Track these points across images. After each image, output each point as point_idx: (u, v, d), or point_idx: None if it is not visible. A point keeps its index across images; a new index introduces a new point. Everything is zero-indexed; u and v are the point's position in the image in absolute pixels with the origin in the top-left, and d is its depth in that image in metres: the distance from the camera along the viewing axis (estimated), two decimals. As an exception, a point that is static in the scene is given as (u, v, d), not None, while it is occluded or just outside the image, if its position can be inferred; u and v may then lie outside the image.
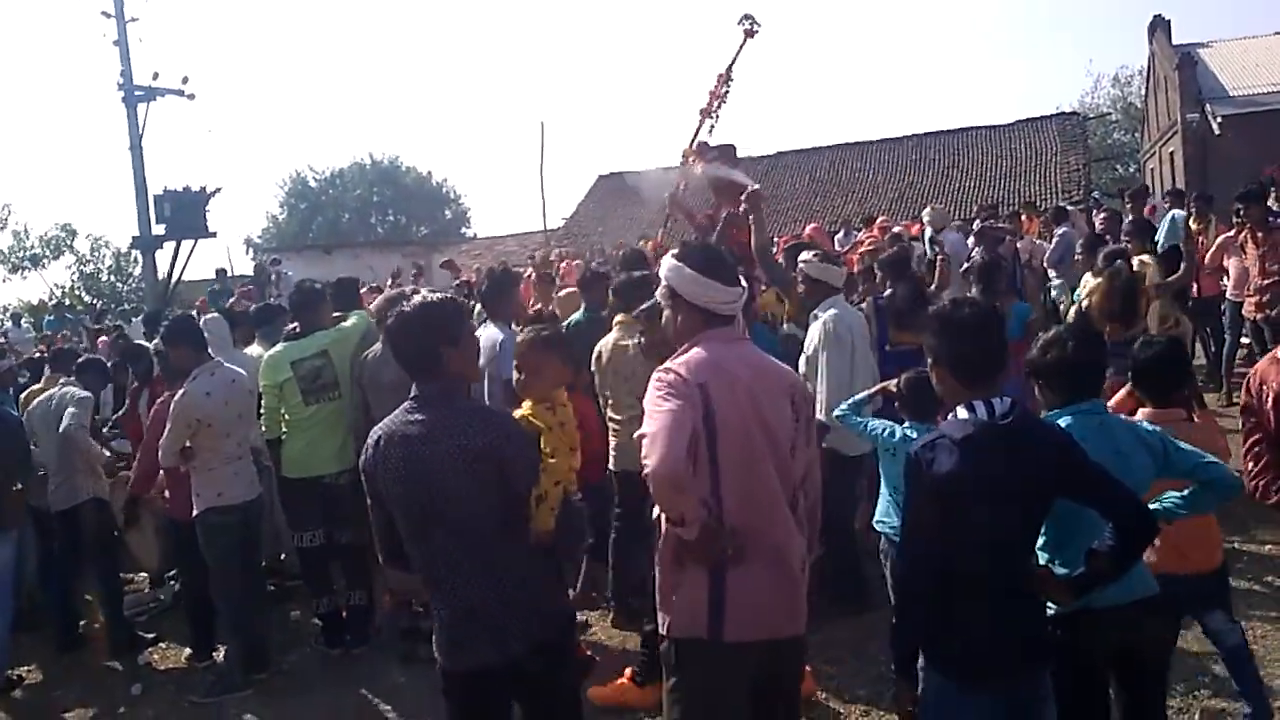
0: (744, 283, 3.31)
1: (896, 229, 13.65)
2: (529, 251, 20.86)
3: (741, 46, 8.81)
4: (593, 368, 6.04)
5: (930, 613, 2.99)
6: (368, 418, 5.55)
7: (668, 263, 3.30)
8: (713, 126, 8.92)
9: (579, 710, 3.56)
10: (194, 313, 8.50)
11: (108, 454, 7.40)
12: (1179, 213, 11.59)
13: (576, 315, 7.02)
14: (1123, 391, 4.52)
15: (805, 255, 6.28)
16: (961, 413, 2.98)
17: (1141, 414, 3.98)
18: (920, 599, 3.01)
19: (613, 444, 6.00)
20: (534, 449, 3.42)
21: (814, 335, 5.91)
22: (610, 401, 6.00)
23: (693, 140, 8.81)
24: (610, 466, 6.00)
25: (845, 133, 76.04)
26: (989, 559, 2.94)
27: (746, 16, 8.76)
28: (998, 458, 2.88)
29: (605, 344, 6.03)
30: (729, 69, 8.89)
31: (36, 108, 68.19)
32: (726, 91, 8.88)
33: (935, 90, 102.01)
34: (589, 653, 4.11)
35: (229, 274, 20.46)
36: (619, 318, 6.05)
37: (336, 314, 6.54)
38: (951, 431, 2.96)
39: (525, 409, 3.79)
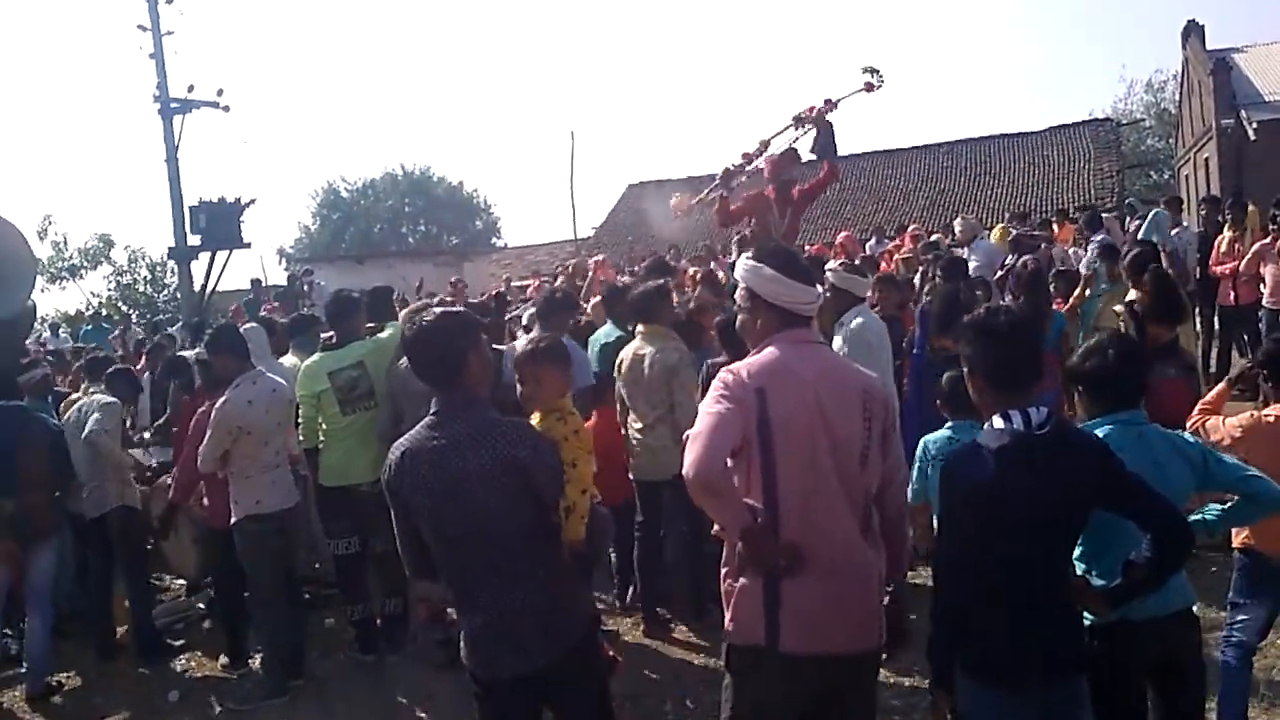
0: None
1: (934, 237, 13.62)
2: (559, 261, 20.93)
3: (856, 92, 9.18)
4: (615, 378, 6.11)
5: (966, 623, 2.97)
6: (397, 428, 5.59)
7: (744, 264, 3.25)
8: (798, 137, 9.42)
9: (609, 710, 3.57)
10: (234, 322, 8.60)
11: (154, 463, 7.50)
12: (1162, 211, 11.76)
13: (602, 334, 7.07)
14: (1223, 385, 4.48)
15: (831, 265, 6.33)
16: (997, 422, 2.95)
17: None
18: (956, 609, 2.99)
19: (632, 454, 6.05)
20: (558, 459, 3.43)
21: (839, 344, 5.93)
22: (630, 411, 6.06)
23: (775, 135, 9.41)
24: (630, 476, 6.05)
25: (876, 140, 75.93)
26: (1025, 569, 2.92)
27: (874, 71, 9.12)
28: (1034, 468, 2.86)
29: (626, 353, 6.09)
30: (838, 101, 9.29)
31: (75, 120, 69.33)
32: (823, 116, 9.30)
33: (967, 97, 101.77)
34: (611, 653, 4.11)
35: (263, 284, 20.65)
36: (640, 328, 6.11)
37: (371, 324, 6.58)
38: (987, 441, 2.93)
39: (535, 421, 3.79)
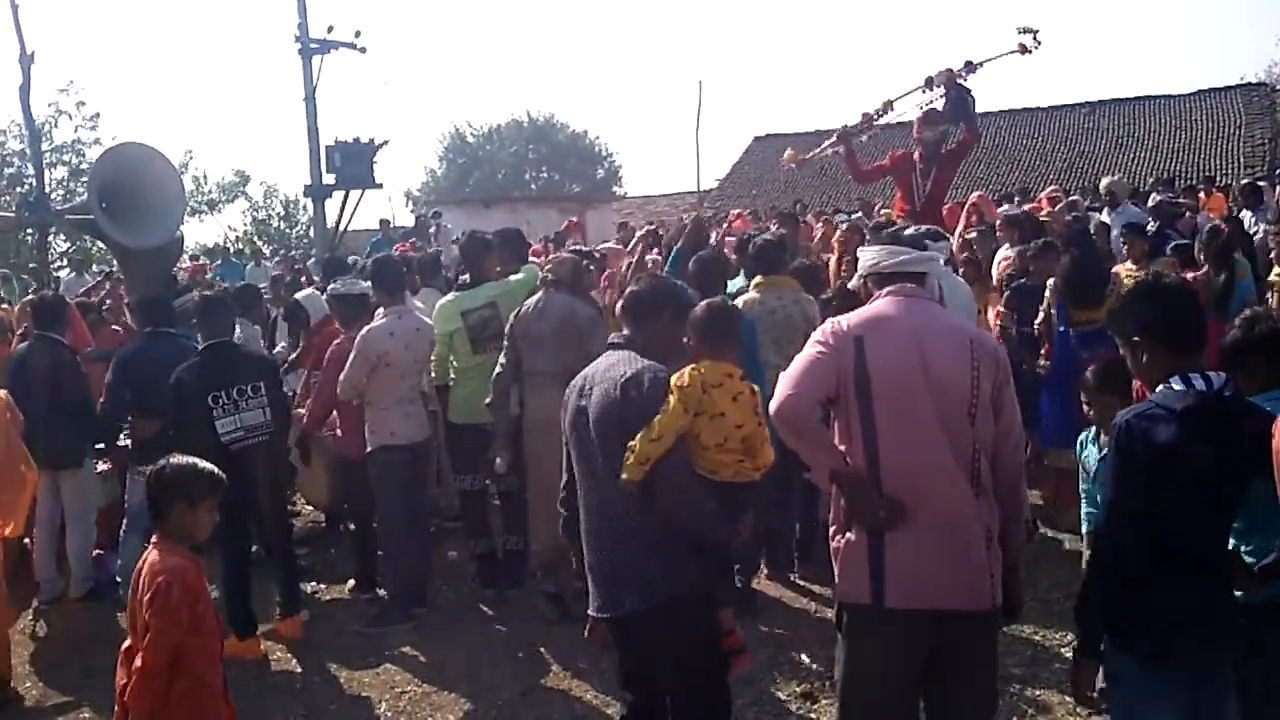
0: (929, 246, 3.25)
1: (1073, 198, 13.15)
2: (680, 212, 20.81)
3: (1006, 54, 8.83)
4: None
5: (1124, 592, 2.86)
6: (518, 372, 5.68)
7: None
8: (931, 100, 9.14)
9: (702, 682, 3.48)
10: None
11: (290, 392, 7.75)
12: None
13: (737, 282, 7.00)
14: None
15: (907, 231, 6.23)
16: (1176, 384, 2.81)
17: None
18: (1118, 577, 2.87)
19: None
20: (657, 399, 3.27)
21: None
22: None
23: (902, 96, 9.22)
24: None
25: (1014, 98, 73.20)
26: (1193, 537, 2.83)
27: (1032, 32, 8.75)
28: (1215, 432, 2.75)
29: (747, 304, 6.02)
30: (981, 63, 8.94)
31: (217, 59, 71.04)
32: (956, 79, 8.97)
33: (1110, 56, 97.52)
34: (740, 642, 3.81)
35: (391, 224, 21.02)
36: (758, 279, 6.07)
37: (498, 268, 6.63)
38: (1169, 402, 2.80)
39: (688, 371, 3.62)
